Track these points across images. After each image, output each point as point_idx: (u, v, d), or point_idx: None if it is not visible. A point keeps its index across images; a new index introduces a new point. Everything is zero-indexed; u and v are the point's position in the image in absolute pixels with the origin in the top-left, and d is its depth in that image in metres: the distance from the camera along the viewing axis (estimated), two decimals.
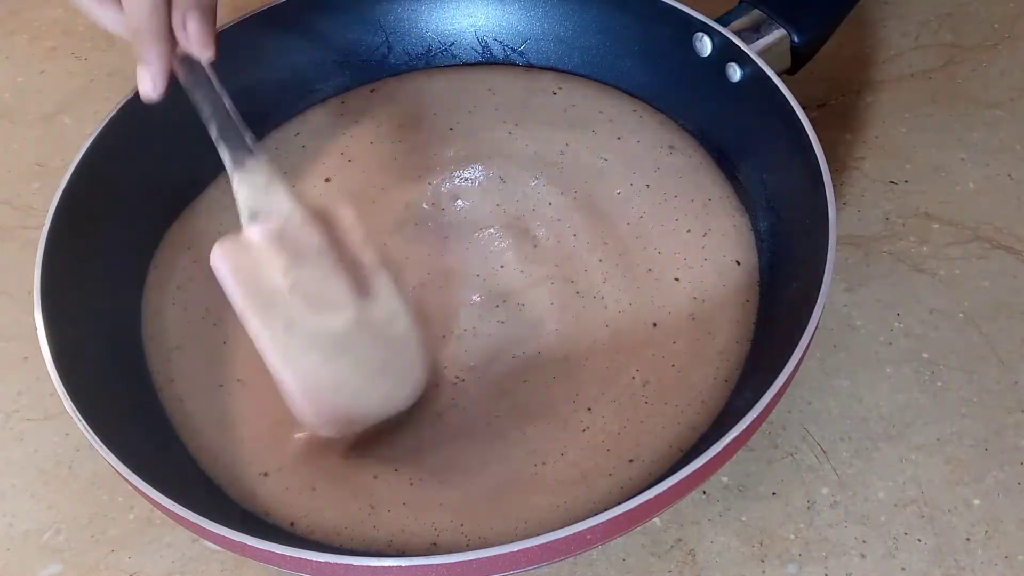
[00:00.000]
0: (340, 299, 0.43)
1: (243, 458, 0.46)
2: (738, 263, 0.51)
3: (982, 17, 0.66)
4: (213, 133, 0.44)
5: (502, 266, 0.52)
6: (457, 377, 0.48)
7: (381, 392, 0.44)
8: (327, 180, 0.57)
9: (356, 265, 0.44)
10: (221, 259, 0.43)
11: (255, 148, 0.44)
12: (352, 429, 0.45)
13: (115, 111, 0.52)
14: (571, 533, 0.37)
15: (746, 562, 0.45)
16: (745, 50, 0.51)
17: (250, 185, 0.43)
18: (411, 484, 0.45)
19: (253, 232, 0.43)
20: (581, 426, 0.46)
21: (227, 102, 0.44)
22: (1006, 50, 0.64)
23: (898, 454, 0.47)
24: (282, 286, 0.42)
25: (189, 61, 0.43)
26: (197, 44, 0.42)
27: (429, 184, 0.55)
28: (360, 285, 0.44)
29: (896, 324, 0.52)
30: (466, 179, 0.56)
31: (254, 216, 0.43)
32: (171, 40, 0.42)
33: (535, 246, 0.52)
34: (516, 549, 0.37)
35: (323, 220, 0.44)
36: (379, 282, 0.45)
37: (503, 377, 0.48)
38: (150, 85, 0.42)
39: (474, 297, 0.51)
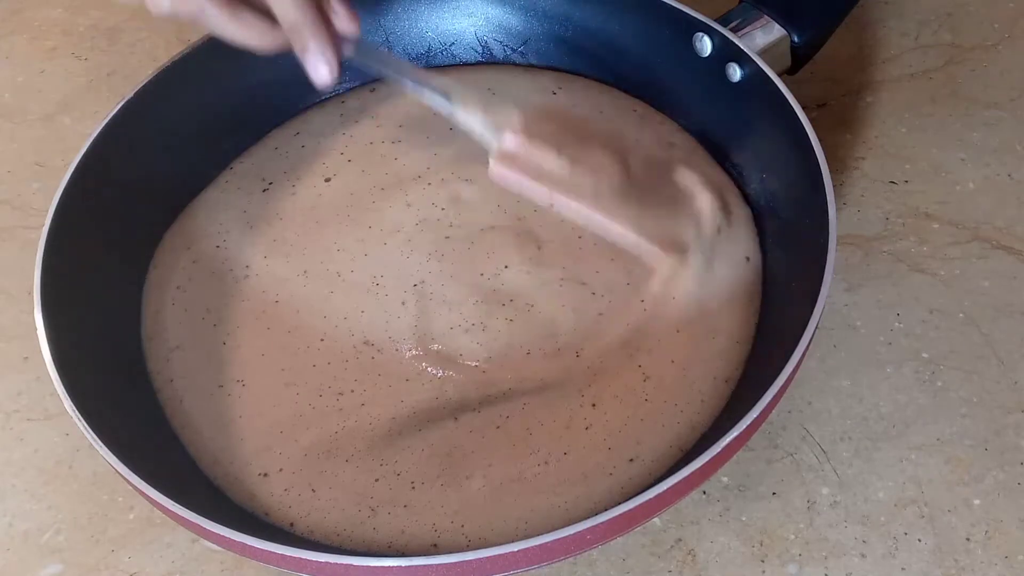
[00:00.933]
0: (604, 161, 0.49)
1: (243, 459, 0.46)
2: (748, 259, 0.51)
3: (982, 17, 0.66)
4: (409, 87, 0.48)
5: (506, 266, 0.52)
6: (468, 376, 0.48)
7: None
8: (327, 180, 0.57)
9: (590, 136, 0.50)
10: (505, 170, 0.48)
11: (449, 82, 0.48)
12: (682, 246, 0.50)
13: (115, 111, 0.52)
14: (571, 533, 0.37)
15: (746, 562, 0.45)
16: (745, 50, 0.51)
17: (476, 109, 0.48)
18: (413, 488, 0.45)
19: (511, 142, 0.48)
20: (584, 423, 0.46)
21: (398, 59, 0.49)
22: (1006, 50, 0.64)
23: (898, 454, 0.48)
24: (562, 169, 0.48)
25: (343, 40, 0.46)
26: (346, 21, 0.45)
27: (429, 184, 0.55)
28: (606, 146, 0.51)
29: (896, 324, 0.52)
30: (466, 179, 0.56)
31: (500, 128, 0.48)
32: (327, 25, 0.44)
33: (539, 247, 0.52)
34: (516, 549, 0.37)
35: (545, 114, 0.51)
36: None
37: (512, 377, 0.48)
38: (326, 70, 0.44)
39: (478, 296, 0.51)
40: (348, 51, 0.46)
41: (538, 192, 0.48)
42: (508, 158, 0.48)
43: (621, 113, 0.58)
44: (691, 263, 0.49)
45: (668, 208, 0.50)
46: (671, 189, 0.52)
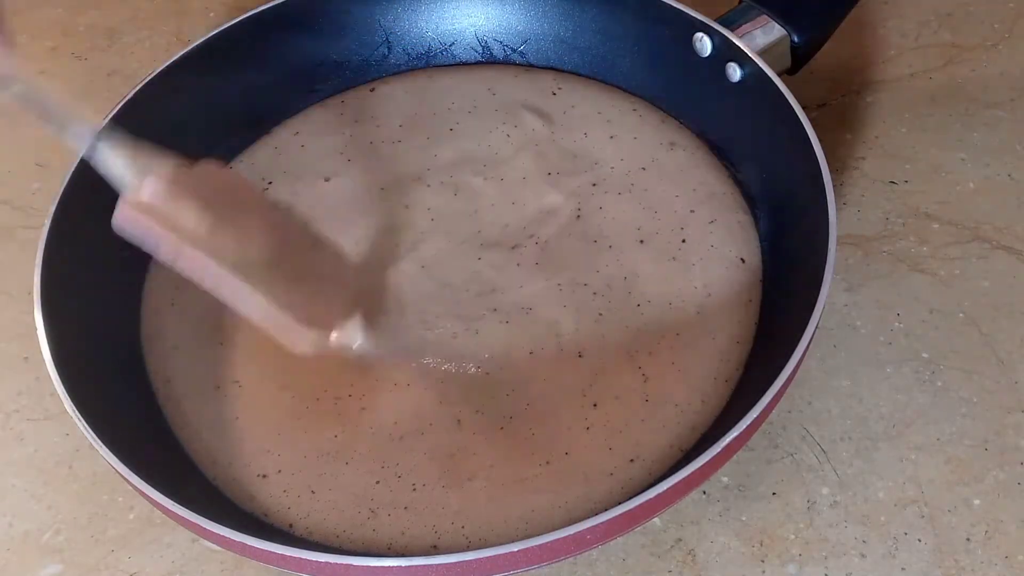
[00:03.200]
0: (257, 228, 0.44)
1: (241, 460, 0.46)
2: (743, 260, 0.51)
3: (982, 17, 0.66)
4: (53, 129, 0.43)
5: (506, 267, 0.52)
6: (470, 378, 0.48)
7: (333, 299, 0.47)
8: (327, 180, 0.57)
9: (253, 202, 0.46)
10: (131, 215, 0.41)
11: (97, 130, 0.43)
12: (325, 341, 0.47)
13: (115, 111, 0.52)
14: (571, 533, 0.37)
15: (746, 562, 0.45)
16: (745, 50, 0.51)
17: (121, 151, 0.42)
18: (414, 489, 0.45)
19: (149, 188, 0.41)
20: (585, 424, 0.46)
21: (51, 96, 0.44)
22: (1006, 50, 0.64)
23: (898, 454, 0.47)
24: (202, 228, 0.42)
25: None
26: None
27: (428, 185, 0.55)
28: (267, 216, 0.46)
29: (896, 324, 0.52)
30: (466, 180, 0.56)
31: (144, 174, 0.41)
32: None
33: (540, 248, 0.52)
34: (516, 549, 0.37)
35: (201, 174, 0.44)
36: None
37: (515, 377, 0.48)
38: None
39: (478, 298, 0.51)
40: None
41: (165, 242, 0.41)
42: (142, 205, 0.42)
43: (621, 113, 0.58)
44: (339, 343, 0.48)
45: (318, 288, 0.47)
46: (327, 270, 0.49)
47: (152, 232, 0.41)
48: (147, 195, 0.41)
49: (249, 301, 0.43)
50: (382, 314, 0.50)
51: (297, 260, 0.46)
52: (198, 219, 0.42)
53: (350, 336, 0.48)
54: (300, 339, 0.45)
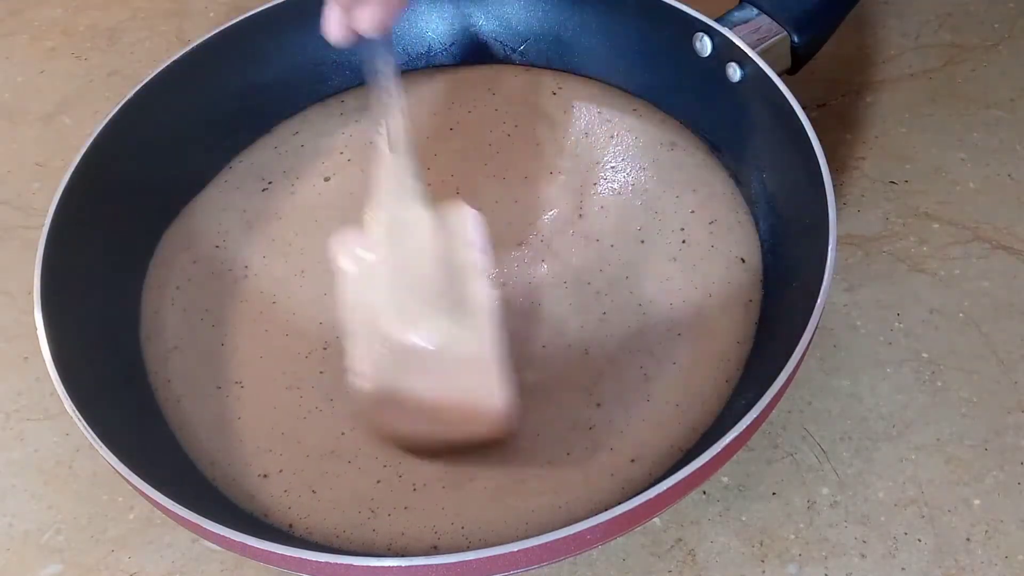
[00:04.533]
0: (428, 319, 0.45)
1: (242, 460, 0.46)
2: (743, 260, 0.51)
3: (982, 17, 0.66)
4: (389, 101, 0.45)
5: (508, 266, 0.52)
6: None
7: (454, 411, 0.45)
8: (326, 179, 0.57)
9: (460, 277, 0.45)
10: (343, 259, 0.45)
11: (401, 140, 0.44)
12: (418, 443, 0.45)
13: (115, 111, 0.52)
14: (571, 533, 0.37)
15: (746, 562, 0.45)
16: (745, 50, 0.51)
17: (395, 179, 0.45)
18: (414, 489, 0.45)
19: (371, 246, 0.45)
20: (588, 423, 0.46)
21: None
22: (1006, 50, 0.64)
23: (898, 454, 0.47)
24: (380, 299, 0.44)
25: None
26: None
27: (429, 185, 0.55)
28: (455, 301, 0.45)
29: (896, 324, 0.52)
30: (467, 179, 0.56)
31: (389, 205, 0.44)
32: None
33: (542, 244, 0.52)
34: (516, 549, 0.37)
35: (442, 223, 0.46)
36: (477, 299, 0.45)
37: (518, 378, 0.48)
38: (338, 31, 0.43)
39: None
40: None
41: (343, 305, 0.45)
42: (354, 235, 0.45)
43: (621, 113, 0.58)
44: None
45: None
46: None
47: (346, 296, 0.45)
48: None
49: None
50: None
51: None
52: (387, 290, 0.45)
53: None
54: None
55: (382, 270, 0.45)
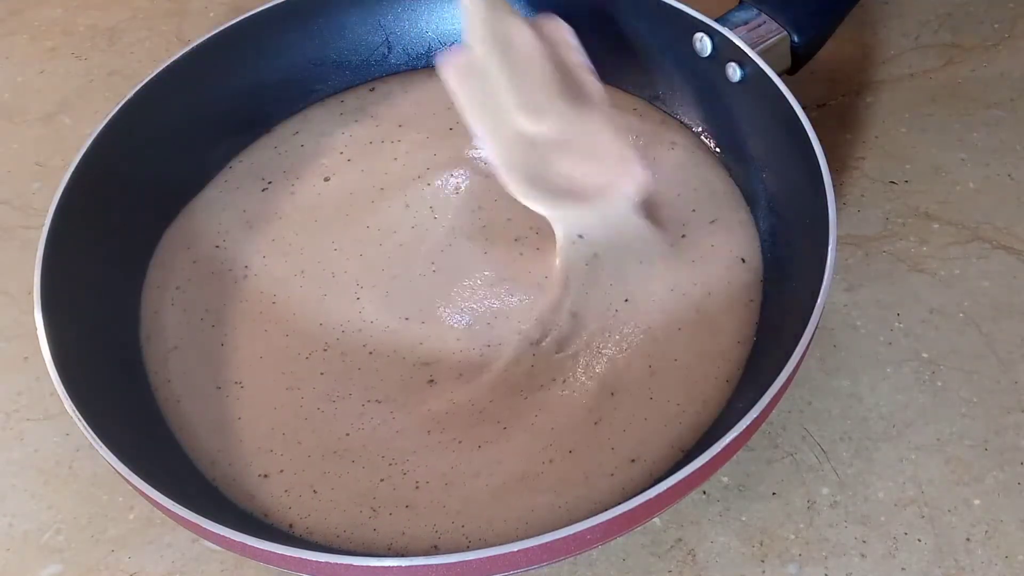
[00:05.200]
0: (554, 107, 0.49)
1: (242, 460, 0.46)
2: (743, 260, 0.51)
3: (982, 17, 0.66)
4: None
5: (508, 264, 0.52)
6: (475, 379, 0.48)
7: (598, 178, 0.49)
8: (326, 179, 0.57)
9: (570, 73, 0.50)
10: (450, 72, 0.49)
11: None
12: (565, 207, 0.49)
13: (115, 111, 0.52)
14: (571, 533, 0.37)
15: (746, 562, 0.45)
16: (745, 50, 0.51)
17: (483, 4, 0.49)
18: (417, 487, 0.45)
19: (480, 51, 0.49)
20: (594, 418, 0.46)
21: None
22: (1006, 50, 0.64)
23: (898, 454, 0.47)
24: (502, 98, 0.48)
25: None
26: None
27: (428, 185, 0.55)
28: (574, 92, 0.50)
29: (896, 324, 0.52)
30: (466, 179, 0.56)
31: (490, 36, 0.49)
32: None
33: (542, 244, 0.52)
34: (516, 549, 0.37)
35: (539, 31, 0.50)
36: (590, 89, 0.50)
37: (524, 378, 0.48)
38: None
39: (481, 296, 0.51)
40: None
41: (462, 107, 0.50)
42: (464, 59, 0.49)
43: (621, 113, 0.58)
44: None
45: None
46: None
47: (456, 91, 0.49)
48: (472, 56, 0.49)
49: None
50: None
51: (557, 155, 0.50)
52: (506, 90, 0.49)
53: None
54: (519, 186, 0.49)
55: (499, 76, 0.49)
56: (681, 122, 0.58)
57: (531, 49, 0.50)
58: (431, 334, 0.49)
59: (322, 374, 0.48)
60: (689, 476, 0.38)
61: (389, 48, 0.61)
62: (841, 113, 0.61)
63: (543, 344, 0.49)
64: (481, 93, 0.50)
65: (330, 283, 0.52)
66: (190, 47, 0.55)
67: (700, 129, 0.57)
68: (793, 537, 0.45)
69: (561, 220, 0.50)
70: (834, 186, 0.45)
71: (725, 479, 0.47)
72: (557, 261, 0.50)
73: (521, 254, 0.52)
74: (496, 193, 0.55)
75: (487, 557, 0.37)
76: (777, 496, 0.47)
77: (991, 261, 0.54)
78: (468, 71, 0.50)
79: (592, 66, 0.51)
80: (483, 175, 0.56)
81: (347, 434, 0.46)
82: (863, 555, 0.45)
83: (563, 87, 0.49)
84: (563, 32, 0.51)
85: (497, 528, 0.43)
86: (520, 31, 0.50)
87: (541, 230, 0.53)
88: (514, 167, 0.49)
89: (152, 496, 0.39)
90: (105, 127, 0.51)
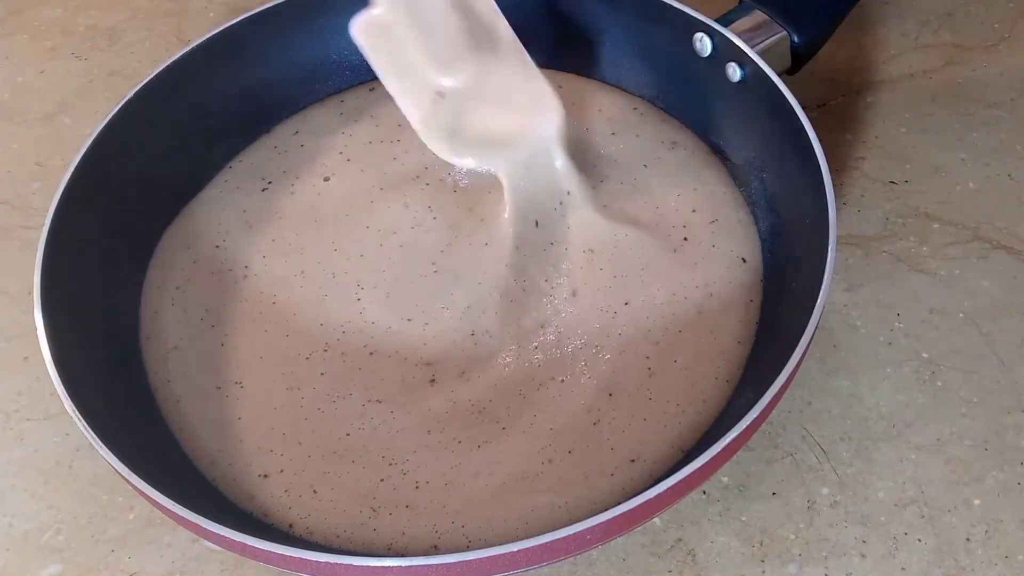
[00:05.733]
0: (464, 59, 0.50)
1: (242, 460, 0.46)
2: (744, 260, 0.51)
3: (982, 17, 0.66)
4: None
5: (507, 265, 0.52)
6: (476, 378, 0.48)
7: (516, 121, 0.51)
8: (326, 179, 0.57)
9: (478, 20, 0.51)
10: (360, 31, 0.50)
11: None
12: (490, 157, 0.50)
13: (115, 111, 0.52)
14: (571, 533, 0.37)
15: (746, 562, 0.45)
16: (745, 50, 0.51)
17: None
18: (417, 487, 0.45)
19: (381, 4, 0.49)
20: (593, 419, 0.46)
21: None
22: (1006, 50, 0.64)
23: (898, 454, 0.48)
24: (413, 55, 0.49)
25: None
26: None
27: (428, 185, 0.55)
28: (483, 39, 0.51)
29: (896, 324, 0.52)
30: (465, 179, 0.56)
31: None
32: None
33: (546, 239, 0.52)
34: (516, 549, 0.37)
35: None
36: (500, 34, 0.51)
37: (525, 374, 0.48)
38: None
39: (481, 296, 0.51)
40: None
41: (375, 63, 0.51)
42: (373, 20, 0.50)
43: (622, 112, 0.58)
44: None
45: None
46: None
47: (367, 47, 0.50)
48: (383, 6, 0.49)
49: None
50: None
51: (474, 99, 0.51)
52: (414, 45, 0.49)
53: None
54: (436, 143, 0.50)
55: (406, 33, 0.50)
56: (681, 122, 0.58)
57: (436, 1, 0.50)
58: (432, 334, 0.49)
59: (322, 374, 0.48)
60: (689, 476, 0.38)
61: None
62: (841, 113, 0.61)
63: (543, 346, 0.49)
64: (392, 52, 0.50)
65: (330, 283, 0.52)
66: (190, 47, 0.55)
67: (700, 129, 0.57)
68: (793, 537, 0.45)
69: (500, 170, 0.50)
70: (834, 186, 0.45)
71: (725, 479, 0.47)
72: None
73: (522, 254, 0.52)
74: (498, 196, 0.55)
75: (487, 557, 0.37)
76: (777, 496, 0.47)
77: (991, 261, 0.54)
78: (378, 31, 0.50)
79: (498, 8, 0.51)
80: (484, 178, 0.56)
81: (347, 434, 0.46)
82: (863, 555, 0.45)
83: (472, 37, 0.50)
84: None
85: (497, 528, 0.43)
86: None
87: (545, 234, 0.53)
88: (430, 125, 0.50)
89: (152, 496, 0.39)
90: (105, 127, 0.51)
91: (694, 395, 0.47)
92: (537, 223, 0.51)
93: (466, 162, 0.50)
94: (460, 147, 0.50)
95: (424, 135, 0.50)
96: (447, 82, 0.50)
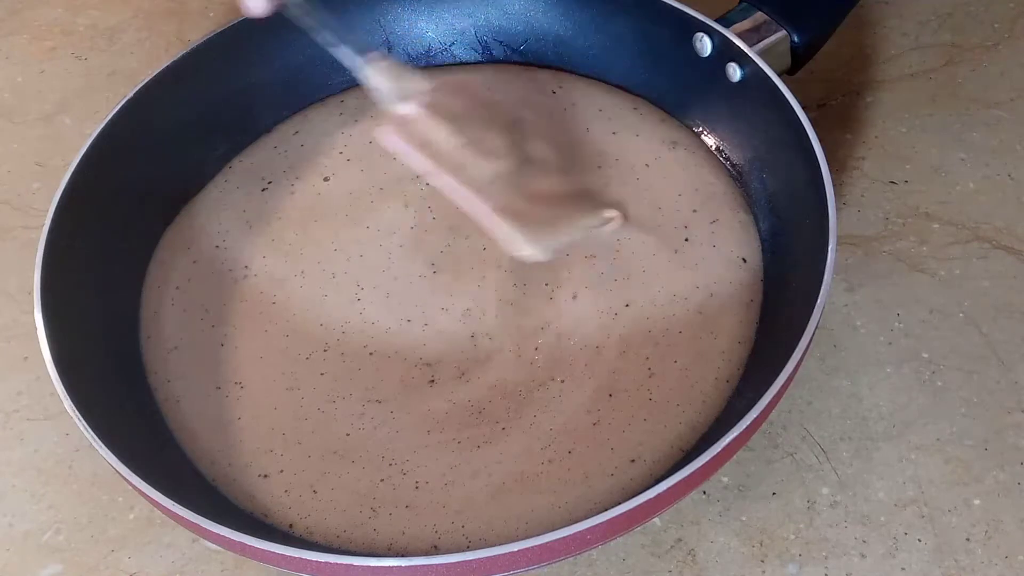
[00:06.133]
0: (500, 147, 0.49)
1: (242, 460, 0.46)
2: (744, 260, 0.51)
3: (982, 17, 0.66)
4: (330, 39, 0.48)
5: (507, 265, 0.52)
6: (477, 379, 0.48)
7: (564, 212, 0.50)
8: (326, 179, 0.57)
9: (498, 119, 0.51)
10: (393, 135, 0.48)
11: (366, 51, 0.48)
12: (557, 243, 0.49)
13: (115, 111, 0.52)
14: (571, 533, 0.37)
15: (746, 562, 0.45)
16: (745, 50, 0.51)
17: (385, 73, 0.48)
18: (417, 487, 0.45)
19: (409, 109, 0.48)
20: (592, 419, 0.46)
21: (327, 16, 0.48)
22: (1006, 50, 0.64)
23: (898, 454, 0.47)
24: (452, 146, 0.48)
25: None
26: None
27: (428, 185, 0.55)
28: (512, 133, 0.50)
29: (896, 324, 0.52)
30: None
31: (404, 96, 0.48)
32: None
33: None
34: (516, 549, 0.37)
35: (459, 90, 0.51)
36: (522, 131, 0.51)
37: (525, 375, 0.48)
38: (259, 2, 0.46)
39: (481, 296, 0.51)
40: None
41: (418, 163, 0.48)
42: (402, 124, 0.48)
43: (622, 112, 0.58)
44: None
45: (556, 206, 0.50)
46: (572, 191, 0.52)
47: (408, 154, 0.48)
48: (406, 114, 0.48)
49: (479, 211, 0.48)
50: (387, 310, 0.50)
51: (533, 178, 0.50)
52: (450, 139, 0.47)
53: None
54: (522, 249, 0.48)
55: (440, 134, 0.49)
56: (681, 122, 0.58)
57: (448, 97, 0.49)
58: (432, 335, 0.49)
59: (322, 374, 0.48)
60: (689, 476, 0.38)
61: (389, 48, 0.61)
62: (841, 113, 0.61)
63: (544, 347, 0.49)
64: (429, 148, 0.48)
65: (330, 284, 0.52)
66: (190, 47, 0.55)
67: (700, 129, 0.57)
68: (793, 537, 0.45)
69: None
70: (834, 186, 0.45)
71: (725, 479, 0.47)
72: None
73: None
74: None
75: (487, 557, 0.37)
76: (777, 496, 0.47)
77: (991, 261, 0.54)
78: (410, 135, 0.48)
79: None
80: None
81: (347, 434, 0.46)
82: (863, 555, 0.45)
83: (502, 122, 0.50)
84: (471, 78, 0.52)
85: (497, 528, 0.43)
86: (423, 83, 0.49)
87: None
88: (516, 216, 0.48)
89: (152, 496, 0.39)
90: (105, 127, 0.51)
91: (694, 395, 0.47)
92: None
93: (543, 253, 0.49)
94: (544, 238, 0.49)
95: (515, 235, 0.48)
96: (496, 167, 0.49)
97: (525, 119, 0.51)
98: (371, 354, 0.49)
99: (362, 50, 0.47)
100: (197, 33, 0.58)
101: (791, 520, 0.46)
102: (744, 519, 0.46)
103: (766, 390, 0.40)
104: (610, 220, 0.52)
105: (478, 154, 0.48)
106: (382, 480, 0.45)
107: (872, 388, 0.50)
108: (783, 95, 0.49)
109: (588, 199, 0.53)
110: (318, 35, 0.47)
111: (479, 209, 0.48)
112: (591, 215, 0.51)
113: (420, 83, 0.48)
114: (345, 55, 0.47)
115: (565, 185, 0.52)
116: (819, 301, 0.42)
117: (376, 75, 0.47)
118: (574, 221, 0.51)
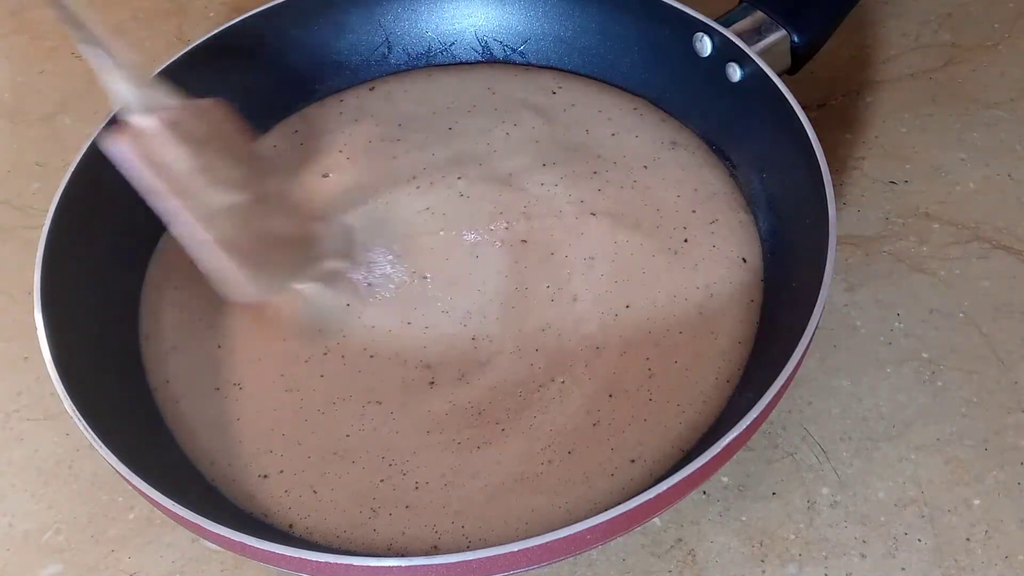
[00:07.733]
0: (236, 179, 0.47)
1: (241, 460, 0.46)
2: (744, 260, 0.51)
3: (982, 17, 0.66)
4: (82, 36, 0.44)
5: (507, 276, 0.52)
6: (476, 379, 0.48)
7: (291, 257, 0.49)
8: (325, 177, 0.57)
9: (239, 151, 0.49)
10: (123, 145, 0.45)
11: (121, 54, 0.45)
12: (272, 289, 0.48)
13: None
14: (571, 533, 0.37)
15: (746, 562, 0.45)
16: (745, 50, 0.51)
17: (131, 79, 0.45)
18: (416, 488, 0.45)
19: (149, 122, 0.45)
20: (593, 419, 0.46)
21: (82, 16, 0.44)
22: (1006, 50, 0.64)
23: (898, 454, 0.48)
24: (185, 169, 0.45)
25: None
26: None
27: (428, 184, 0.55)
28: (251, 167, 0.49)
29: (896, 324, 0.52)
30: (464, 179, 0.55)
31: (146, 108, 0.45)
32: None
33: (546, 243, 0.52)
34: (516, 549, 0.37)
35: (204, 114, 0.48)
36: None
37: (525, 376, 0.48)
38: None
39: (480, 297, 0.51)
40: None
41: (145, 180, 0.45)
42: (137, 136, 0.45)
43: (622, 112, 0.58)
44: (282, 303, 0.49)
45: (282, 248, 0.49)
46: (301, 235, 0.51)
47: (134, 165, 0.44)
48: (144, 127, 0.45)
49: (199, 241, 0.46)
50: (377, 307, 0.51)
51: (263, 216, 0.48)
52: (186, 162, 0.45)
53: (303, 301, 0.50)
54: (236, 288, 0.47)
55: (179, 155, 0.46)
56: (681, 122, 0.58)
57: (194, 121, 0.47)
58: (432, 338, 0.49)
59: (322, 377, 0.48)
60: (689, 476, 0.38)
61: (389, 48, 0.61)
62: (841, 113, 0.61)
63: (542, 348, 0.49)
64: (162, 167, 0.46)
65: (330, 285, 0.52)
66: (190, 47, 0.55)
67: (700, 129, 0.57)
68: (793, 537, 0.45)
69: None
70: (834, 186, 0.45)
71: (725, 479, 0.47)
72: None
73: (519, 258, 0.52)
74: (498, 196, 0.55)
75: (487, 557, 0.37)
76: (777, 496, 0.47)
77: (991, 261, 0.54)
78: (144, 150, 0.46)
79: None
80: (484, 178, 0.56)
81: (347, 435, 0.46)
82: (863, 555, 0.45)
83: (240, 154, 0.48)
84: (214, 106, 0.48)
85: (497, 528, 0.43)
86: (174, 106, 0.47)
87: (544, 235, 0.53)
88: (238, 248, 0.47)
89: (152, 496, 0.39)
90: (105, 127, 0.51)
91: (694, 395, 0.47)
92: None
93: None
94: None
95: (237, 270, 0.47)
96: (232, 199, 0.47)
97: (267, 156, 0.50)
98: (371, 357, 0.49)
99: (112, 51, 0.44)
100: (197, 33, 0.58)
101: (791, 520, 0.46)
102: (744, 519, 0.46)
103: (766, 390, 0.40)
104: (336, 273, 0.50)
105: (211, 182, 0.46)
106: (382, 480, 0.45)
107: (872, 388, 0.50)
108: (783, 95, 0.49)
109: (315, 245, 0.51)
110: (67, 26, 0.44)
111: (200, 238, 0.45)
112: (313, 264, 0.50)
113: (166, 99, 0.46)
114: (94, 53, 0.44)
115: (296, 228, 0.51)
116: (819, 301, 0.42)
117: (121, 79, 0.44)
118: (298, 267, 0.49)
